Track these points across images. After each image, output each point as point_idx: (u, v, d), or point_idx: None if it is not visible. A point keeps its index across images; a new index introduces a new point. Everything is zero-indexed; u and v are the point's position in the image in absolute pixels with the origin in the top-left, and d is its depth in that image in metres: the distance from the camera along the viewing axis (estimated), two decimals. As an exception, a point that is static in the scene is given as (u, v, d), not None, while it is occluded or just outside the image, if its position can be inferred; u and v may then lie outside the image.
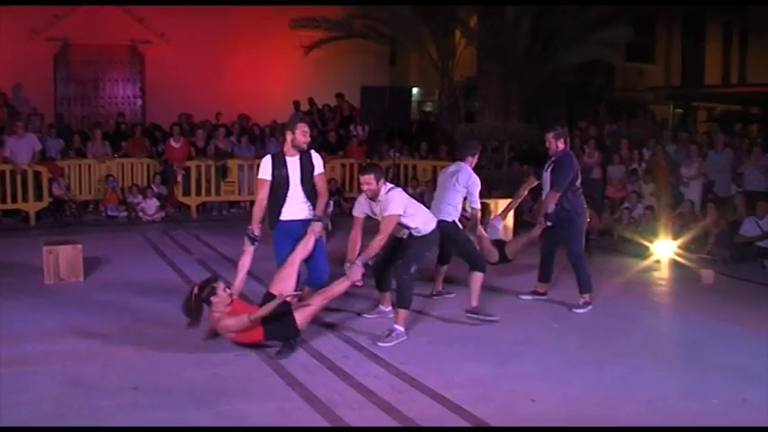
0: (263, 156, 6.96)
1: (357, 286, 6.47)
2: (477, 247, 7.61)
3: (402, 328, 6.50)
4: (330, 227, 7.30)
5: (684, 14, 22.41)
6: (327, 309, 7.13)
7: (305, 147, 6.65)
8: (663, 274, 9.71)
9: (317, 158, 6.75)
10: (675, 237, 10.45)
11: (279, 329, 6.04)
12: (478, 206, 7.71)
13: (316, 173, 6.69)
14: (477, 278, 7.18)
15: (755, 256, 10.31)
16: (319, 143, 14.32)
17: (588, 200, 8.06)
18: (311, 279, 6.71)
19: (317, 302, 6.25)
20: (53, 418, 4.75)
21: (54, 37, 16.82)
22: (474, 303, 7.13)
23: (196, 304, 6.05)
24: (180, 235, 11.68)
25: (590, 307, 7.63)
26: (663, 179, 12.38)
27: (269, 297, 6.10)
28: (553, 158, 7.68)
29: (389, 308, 7.15)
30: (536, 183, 8.12)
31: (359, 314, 7.27)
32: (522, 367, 5.92)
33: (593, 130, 15.22)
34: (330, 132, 15.89)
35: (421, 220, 6.64)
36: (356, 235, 6.66)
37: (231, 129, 15.40)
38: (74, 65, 17.39)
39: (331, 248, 8.93)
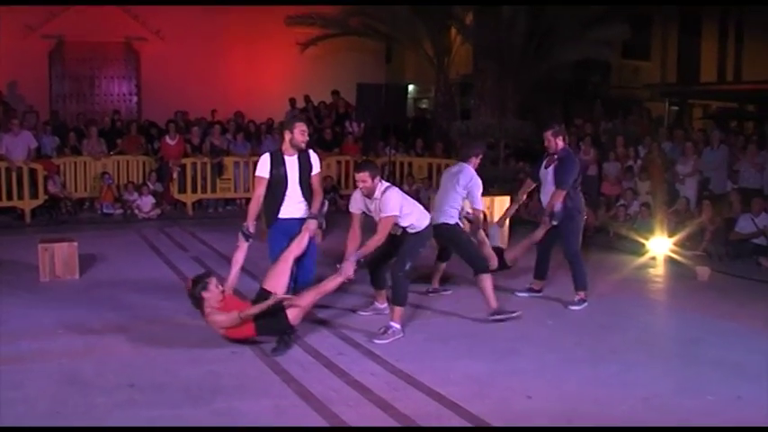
0: (259, 153, 6.98)
1: (349, 280, 6.48)
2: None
3: (398, 326, 6.51)
4: (324, 226, 7.30)
5: (680, 12, 22.41)
6: (323, 306, 7.17)
7: (303, 146, 6.69)
8: (658, 271, 9.73)
9: (314, 158, 6.80)
10: (671, 234, 10.47)
11: (271, 325, 6.05)
12: (481, 207, 7.63)
13: (313, 172, 6.75)
14: (486, 280, 7.11)
15: (751, 253, 10.33)
16: (315, 140, 14.31)
17: (584, 197, 8.06)
18: (297, 277, 6.70)
19: (308, 298, 6.26)
20: (49, 416, 4.75)
21: (49, 34, 16.79)
22: (493, 305, 7.07)
23: (192, 297, 6.09)
24: (175, 232, 11.67)
25: (585, 304, 7.64)
26: (658, 176, 12.40)
27: (263, 292, 6.14)
28: (557, 157, 7.63)
29: (385, 305, 7.15)
30: (533, 185, 8.10)
31: (354, 311, 7.27)
32: (518, 364, 5.93)
33: (589, 127, 15.23)
34: (326, 129, 15.88)
35: (415, 218, 6.66)
36: (355, 232, 6.69)
37: (227, 126, 15.38)
38: (69, 62, 17.36)
39: (327, 246, 8.99)
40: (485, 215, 8.04)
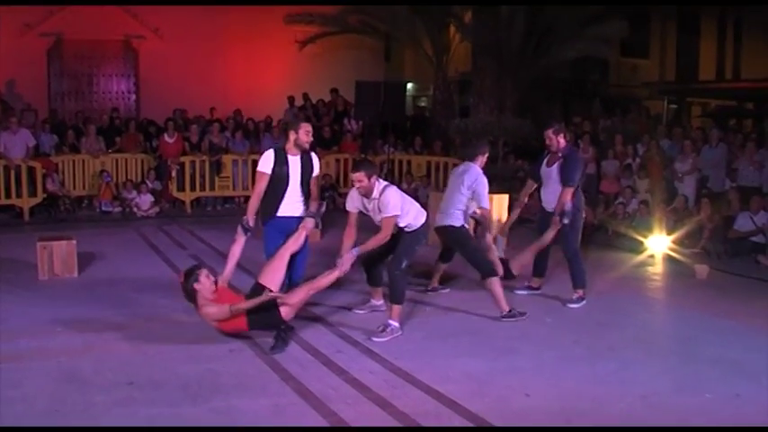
0: (258, 151, 7.00)
1: (344, 274, 6.53)
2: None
3: (396, 324, 6.51)
4: (321, 226, 7.34)
5: (679, 10, 22.42)
6: (318, 303, 7.20)
7: (307, 147, 6.77)
8: (657, 269, 9.73)
9: (316, 160, 6.88)
10: (669, 232, 10.47)
11: (263, 320, 6.08)
12: (487, 206, 7.51)
13: (314, 174, 6.83)
14: (494, 284, 7.09)
15: (749, 251, 10.33)
16: (313, 138, 14.29)
17: (583, 195, 8.06)
18: (291, 275, 6.72)
19: (301, 295, 6.28)
20: (48, 414, 4.75)
21: (48, 32, 16.78)
22: (504, 308, 7.06)
23: (184, 290, 6.11)
24: (174, 230, 11.67)
25: (584, 302, 7.65)
26: (657, 174, 12.41)
27: (257, 287, 6.18)
28: (561, 155, 7.60)
29: (381, 302, 7.16)
30: (535, 186, 8.04)
31: (349, 309, 7.26)
32: (517, 362, 5.93)
33: (588, 125, 15.24)
34: (324, 128, 15.88)
35: (412, 216, 6.66)
36: (351, 229, 6.70)
37: (225, 124, 15.37)
38: (67, 60, 17.36)
39: (325, 245, 8.99)
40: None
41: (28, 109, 14.89)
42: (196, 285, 6.04)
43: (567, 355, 6.12)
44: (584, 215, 7.96)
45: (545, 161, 7.80)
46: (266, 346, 6.04)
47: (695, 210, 11.37)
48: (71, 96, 17.53)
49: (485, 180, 7.42)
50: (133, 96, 18.08)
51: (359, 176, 6.44)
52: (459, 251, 7.60)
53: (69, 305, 7.27)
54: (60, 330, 6.46)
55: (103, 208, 13.35)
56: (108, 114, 15.65)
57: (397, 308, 6.56)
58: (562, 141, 7.62)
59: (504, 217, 9.79)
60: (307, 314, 6.99)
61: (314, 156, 6.88)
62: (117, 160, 14.10)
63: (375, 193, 6.49)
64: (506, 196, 10.36)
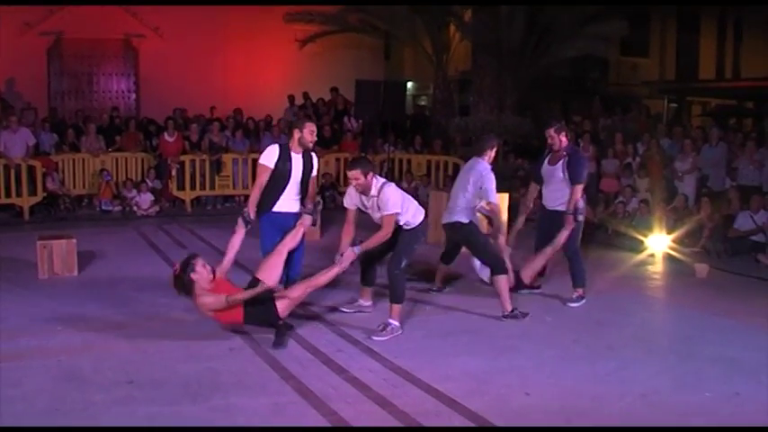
0: (258, 150, 7.01)
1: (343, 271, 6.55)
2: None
3: (397, 323, 6.51)
4: (317, 223, 7.36)
5: (679, 9, 22.42)
6: (321, 303, 7.19)
7: (311, 146, 6.85)
8: (657, 268, 9.73)
9: (316, 160, 6.97)
10: (669, 231, 10.48)
11: (259, 314, 6.10)
12: (495, 200, 7.34)
13: (313, 173, 6.93)
14: (502, 281, 7.07)
15: (749, 250, 10.33)
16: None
17: (584, 194, 8.04)
18: (289, 272, 6.77)
19: (299, 291, 6.32)
20: (48, 413, 4.75)
21: (48, 31, 16.77)
22: (508, 308, 7.04)
23: (180, 281, 6.13)
24: (174, 229, 11.67)
25: (584, 301, 7.64)
26: (657, 173, 12.41)
27: (255, 282, 6.19)
28: (566, 153, 7.58)
29: (369, 303, 7.11)
30: (538, 189, 7.96)
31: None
32: (516, 361, 5.94)
33: (588, 124, 15.23)
34: (324, 126, 15.86)
35: (411, 214, 6.65)
36: (349, 226, 6.72)
37: (225, 123, 15.37)
38: (67, 59, 17.35)
39: (325, 243, 8.99)
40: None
41: (28, 108, 14.87)
42: (193, 275, 6.06)
43: (566, 354, 6.13)
44: (584, 214, 7.94)
45: (546, 160, 7.77)
46: (266, 345, 6.05)
47: (695, 209, 11.38)
48: (71, 95, 17.53)
49: (492, 176, 7.30)
50: (133, 95, 18.08)
51: (355, 174, 6.45)
52: (468, 248, 7.54)
53: (69, 304, 7.27)
54: (60, 329, 6.46)
55: (103, 207, 13.35)
56: (108, 113, 15.63)
57: (397, 307, 6.56)
58: (564, 140, 7.60)
59: (505, 216, 9.78)
60: (307, 313, 7.00)
61: (314, 155, 6.95)
62: (117, 159, 14.09)
63: (373, 191, 6.49)
64: (506, 195, 10.35)
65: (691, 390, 5.40)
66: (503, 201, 10.10)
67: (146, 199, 13.23)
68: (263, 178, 6.68)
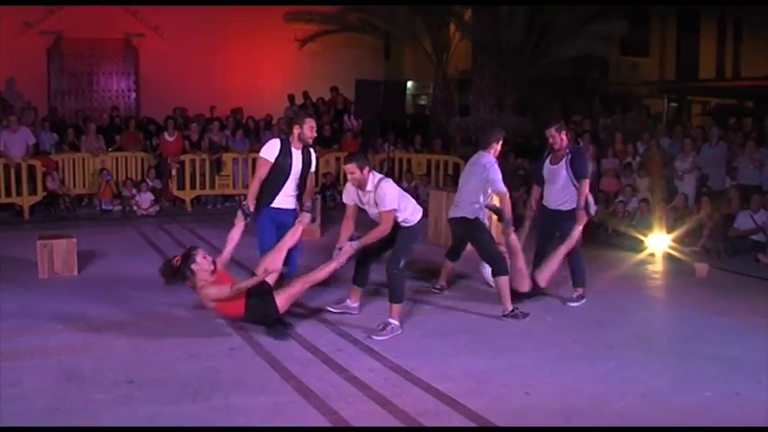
0: (258, 149, 7.02)
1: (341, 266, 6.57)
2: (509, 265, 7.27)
3: (397, 322, 6.51)
4: (316, 220, 7.38)
5: (679, 8, 22.42)
6: (321, 302, 7.18)
7: (310, 142, 6.91)
8: (657, 267, 9.73)
9: (314, 156, 7.02)
10: (669, 230, 10.48)
11: (259, 307, 6.13)
12: (504, 190, 7.21)
13: (311, 169, 7.00)
14: (503, 282, 7.05)
15: (749, 249, 10.33)
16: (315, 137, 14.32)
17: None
18: (288, 270, 6.80)
19: (297, 286, 6.35)
20: (48, 412, 4.75)
21: (47, 30, 16.77)
22: (508, 307, 7.03)
23: (173, 271, 6.15)
24: (174, 229, 11.67)
25: (584, 300, 7.64)
26: (657, 173, 12.41)
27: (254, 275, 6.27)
28: (568, 151, 7.59)
29: (356, 304, 7.04)
30: (540, 190, 7.89)
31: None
32: (516, 360, 5.94)
33: (588, 123, 15.24)
34: (325, 126, 15.86)
35: (409, 212, 6.64)
36: (348, 222, 6.73)
37: (225, 122, 15.37)
38: (67, 58, 17.35)
39: (325, 242, 8.99)
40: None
41: (28, 107, 14.88)
42: (193, 266, 6.07)
43: (566, 354, 6.13)
44: (596, 208, 7.93)
45: (548, 160, 7.76)
46: (266, 345, 6.05)
47: (695, 208, 11.38)
48: (71, 95, 17.53)
49: (496, 167, 7.24)
50: (133, 95, 18.08)
51: (351, 168, 6.46)
52: (472, 244, 7.48)
53: (69, 303, 7.27)
54: (60, 328, 6.46)
55: (103, 206, 13.35)
56: (108, 113, 15.64)
57: (396, 307, 6.56)
58: (565, 139, 7.60)
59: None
60: (306, 312, 7.00)
61: (312, 151, 7.00)
62: (117, 159, 14.09)
63: (369, 186, 6.49)
64: (506, 194, 10.30)
65: (691, 389, 5.40)
66: (503, 199, 10.11)
67: (146, 198, 13.24)
68: (262, 171, 6.72)
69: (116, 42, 17.67)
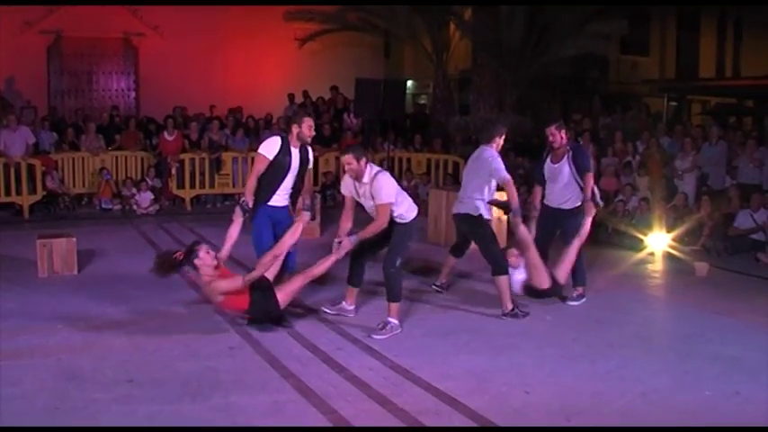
0: (257, 148, 7.01)
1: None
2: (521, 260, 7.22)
3: (396, 321, 6.51)
4: (315, 218, 7.39)
5: (679, 7, 22.41)
6: (320, 301, 7.18)
7: (309, 141, 6.93)
8: (656, 266, 9.73)
9: (311, 154, 7.05)
10: (669, 229, 10.48)
11: (262, 303, 6.20)
12: (508, 177, 7.06)
13: (309, 166, 7.02)
14: (502, 282, 7.04)
15: (749, 248, 10.33)
16: (314, 135, 14.31)
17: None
18: (288, 267, 6.86)
19: (298, 282, 6.42)
20: (47, 412, 4.75)
21: (47, 29, 16.78)
22: (508, 307, 7.02)
23: (172, 265, 6.24)
24: (174, 228, 11.67)
25: (584, 299, 7.64)
26: (657, 172, 12.41)
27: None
28: (569, 148, 7.61)
29: (352, 306, 6.98)
30: (541, 190, 7.84)
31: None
32: (516, 359, 5.93)
33: (588, 122, 15.23)
34: (324, 125, 15.87)
35: (404, 208, 6.63)
36: (347, 213, 6.74)
37: (225, 121, 15.37)
38: (67, 57, 17.36)
39: (326, 241, 8.98)
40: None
41: (27, 106, 14.89)
42: (196, 261, 6.13)
43: (566, 353, 6.12)
44: (603, 200, 7.91)
45: (548, 159, 7.75)
46: (266, 343, 6.06)
47: (695, 207, 11.38)
48: (71, 94, 17.55)
49: (499, 159, 7.18)
50: (133, 94, 18.09)
51: (348, 159, 6.47)
52: (475, 241, 7.46)
53: (69, 302, 7.27)
54: (60, 327, 6.45)
55: (103, 205, 13.36)
56: (108, 112, 15.65)
57: (395, 305, 6.55)
58: (564, 137, 7.61)
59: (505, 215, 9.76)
60: (306, 311, 7.00)
61: (309, 149, 7.03)
62: (117, 158, 14.10)
63: (366, 178, 6.48)
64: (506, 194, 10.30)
65: (691, 388, 5.40)
66: (502, 198, 10.09)
67: (145, 197, 13.24)
68: (260, 167, 6.73)
69: (116, 42, 17.69)
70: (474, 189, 7.24)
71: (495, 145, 7.36)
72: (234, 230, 6.55)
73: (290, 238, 6.53)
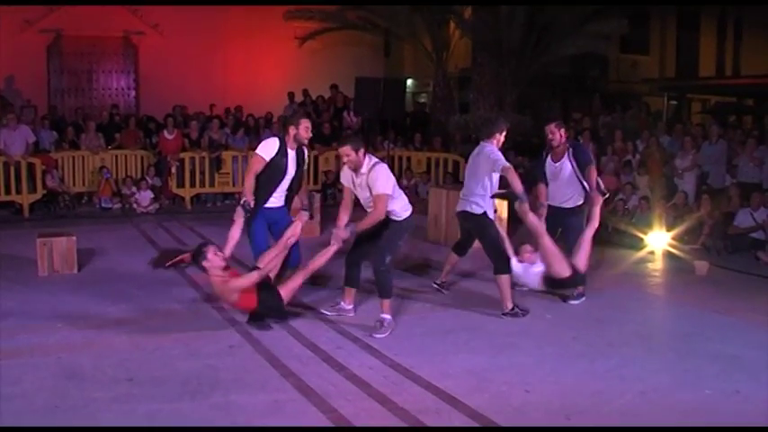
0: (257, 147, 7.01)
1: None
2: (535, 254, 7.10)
3: (390, 317, 6.55)
4: (313, 216, 7.42)
5: (679, 6, 22.40)
6: (320, 300, 7.18)
7: (306, 142, 6.94)
8: (656, 265, 9.73)
9: (306, 154, 7.08)
10: (669, 228, 10.48)
11: (269, 300, 6.27)
12: (508, 164, 6.95)
13: (304, 167, 7.06)
14: (504, 281, 7.04)
15: (749, 247, 10.33)
16: (314, 135, 14.31)
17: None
18: (289, 264, 6.89)
19: (299, 279, 6.49)
20: (47, 410, 4.75)
21: (47, 28, 16.77)
22: (508, 306, 7.03)
23: (174, 264, 6.35)
24: (174, 227, 11.67)
25: (584, 298, 7.64)
26: (657, 171, 12.42)
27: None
28: (569, 145, 7.64)
29: (351, 306, 6.98)
30: (545, 187, 7.79)
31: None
32: (516, 358, 5.93)
33: (588, 121, 15.24)
34: (324, 124, 15.87)
35: (399, 205, 6.64)
36: (346, 202, 6.78)
37: (225, 120, 15.36)
38: (67, 56, 17.36)
39: (325, 239, 8.98)
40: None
41: (27, 105, 14.87)
42: (205, 263, 6.15)
43: (566, 352, 6.12)
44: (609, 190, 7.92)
45: (549, 158, 7.75)
46: (265, 342, 6.06)
47: (695, 206, 11.38)
48: (71, 93, 17.54)
49: (499, 153, 7.12)
50: (133, 93, 18.09)
51: (345, 150, 6.46)
52: (479, 239, 7.43)
53: (69, 301, 7.27)
54: (60, 326, 6.45)
55: (103, 204, 13.35)
56: (108, 111, 15.65)
57: (387, 302, 6.59)
58: (564, 135, 7.63)
59: (505, 213, 9.78)
60: (306, 310, 7.00)
61: (305, 149, 7.05)
62: (117, 157, 14.08)
63: (364, 169, 6.49)
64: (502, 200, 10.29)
65: (690, 387, 5.40)
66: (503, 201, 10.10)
67: (145, 196, 13.23)
68: (257, 167, 6.72)
69: (116, 40, 17.69)
70: (477, 185, 7.21)
71: (495, 141, 7.31)
72: (235, 231, 6.55)
73: (290, 239, 6.58)
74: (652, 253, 10.14)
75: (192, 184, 13.98)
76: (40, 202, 12.88)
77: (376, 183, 6.40)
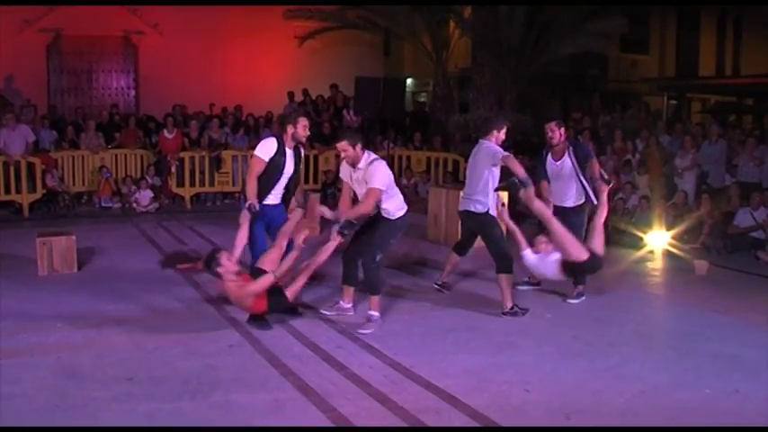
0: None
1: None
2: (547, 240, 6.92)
3: (377, 313, 6.60)
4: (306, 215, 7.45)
5: (678, 6, 22.40)
6: (320, 300, 7.18)
7: (303, 141, 6.99)
8: (656, 264, 9.73)
9: (302, 153, 7.17)
10: (669, 227, 10.47)
11: (277, 301, 6.30)
12: (507, 153, 7.03)
13: (301, 166, 7.15)
14: (505, 280, 7.04)
15: (749, 246, 10.33)
16: (313, 134, 14.31)
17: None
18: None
19: (302, 279, 6.49)
20: (47, 410, 4.75)
21: (47, 28, 16.77)
22: (508, 305, 7.03)
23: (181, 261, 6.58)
24: (174, 226, 11.66)
25: (583, 297, 7.65)
26: (657, 170, 12.41)
27: (256, 270, 6.36)
28: (569, 143, 7.67)
29: (350, 305, 6.97)
30: (548, 185, 7.74)
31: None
32: (516, 357, 5.93)
33: (587, 121, 15.24)
34: (324, 123, 15.87)
35: (394, 204, 6.65)
36: (345, 196, 6.84)
37: (225, 119, 15.36)
38: (67, 56, 17.36)
39: (325, 238, 8.98)
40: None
41: (27, 105, 14.88)
42: (219, 270, 6.16)
43: (566, 351, 6.12)
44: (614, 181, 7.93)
45: (549, 157, 7.75)
46: (265, 341, 6.06)
47: (695, 205, 11.37)
48: (70, 92, 17.54)
49: (496, 147, 7.09)
50: (132, 92, 18.09)
51: (342, 146, 6.49)
52: (482, 238, 7.37)
53: (69, 301, 7.27)
54: (60, 326, 6.45)
55: (103, 204, 13.35)
56: (107, 110, 15.64)
57: (375, 299, 6.64)
58: (563, 134, 7.65)
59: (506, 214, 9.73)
60: (306, 309, 7.00)
61: (302, 148, 7.12)
62: (116, 156, 14.09)
63: (362, 164, 6.52)
64: (506, 194, 10.29)
65: (690, 386, 5.40)
66: (503, 197, 10.07)
67: (145, 196, 13.23)
68: (258, 168, 6.74)
69: (115, 40, 17.69)
70: (478, 183, 7.19)
71: (493, 139, 7.26)
72: (243, 235, 6.56)
73: (287, 234, 6.66)
74: (652, 252, 10.14)
75: (192, 184, 13.98)
76: (40, 202, 12.88)
77: (372, 177, 6.43)
